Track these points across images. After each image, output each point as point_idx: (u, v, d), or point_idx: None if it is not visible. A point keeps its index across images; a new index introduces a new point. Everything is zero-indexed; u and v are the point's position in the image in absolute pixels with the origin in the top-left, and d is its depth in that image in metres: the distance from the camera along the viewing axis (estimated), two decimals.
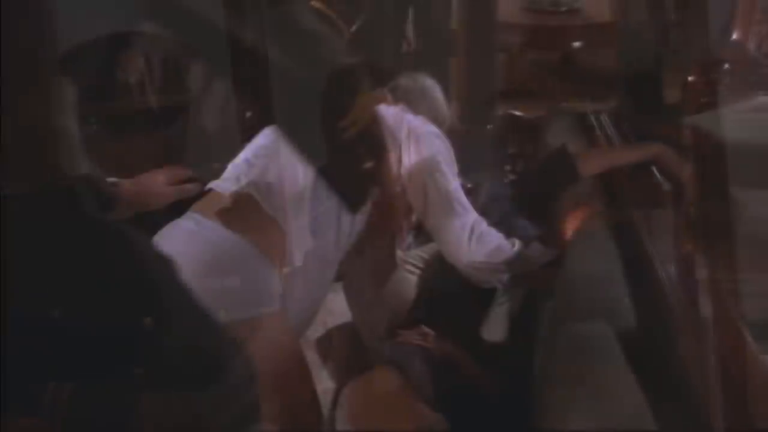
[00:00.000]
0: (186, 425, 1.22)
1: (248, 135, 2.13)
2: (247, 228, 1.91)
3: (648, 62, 3.08)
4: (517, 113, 2.78)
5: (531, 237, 2.06)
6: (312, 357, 2.20)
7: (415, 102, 2.28)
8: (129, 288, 1.17)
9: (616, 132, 2.40)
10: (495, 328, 2.04)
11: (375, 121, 1.90)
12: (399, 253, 2.28)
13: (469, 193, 2.20)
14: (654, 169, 2.16)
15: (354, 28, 2.77)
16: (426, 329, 1.96)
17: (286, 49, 2.13)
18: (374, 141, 1.95)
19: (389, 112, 2.15)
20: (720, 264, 1.69)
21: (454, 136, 2.28)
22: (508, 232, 2.05)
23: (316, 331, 2.41)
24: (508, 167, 2.80)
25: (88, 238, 1.15)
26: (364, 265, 2.23)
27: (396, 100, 2.25)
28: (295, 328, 1.97)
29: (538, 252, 2.04)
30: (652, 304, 1.68)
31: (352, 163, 1.96)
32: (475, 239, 2.03)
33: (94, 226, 1.16)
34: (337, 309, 2.53)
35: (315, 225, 1.97)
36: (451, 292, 2.08)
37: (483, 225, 2.05)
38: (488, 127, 2.46)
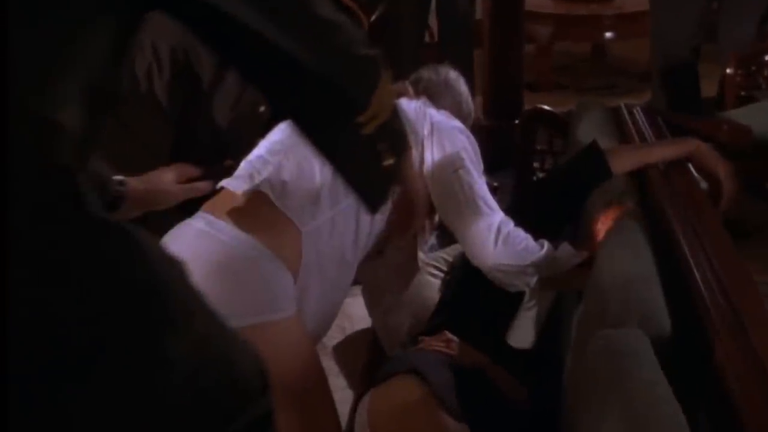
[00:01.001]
0: None
1: (262, 130, 2.13)
2: (260, 228, 1.90)
3: (683, 54, 3.06)
4: (546, 107, 2.76)
5: (560, 238, 2.05)
6: (329, 364, 2.19)
7: (438, 95, 2.27)
8: (135, 292, 1.16)
9: (649, 127, 2.39)
10: (522, 333, 2.03)
11: (395, 116, 1.88)
12: (421, 254, 2.27)
13: (494, 191, 2.19)
14: (690, 166, 2.15)
15: (374, 17, 2.76)
16: (450, 335, 1.94)
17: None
18: (395, 137, 1.94)
19: (411, 106, 2.14)
20: (758, 265, 1.68)
21: (479, 131, 2.28)
22: (536, 233, 2.03)
23: (333, 337, 2.40)
24: (536, 164, 2.79)
25: (92, 240, 1.13)
26: (384, 268, 2.22)
27: (418, 94, 2.26)
28: (311, 334, 1.95)
29: (568, 254, 2.02)
30: (688, 307, 1.66)
31: (371, 160, 1.95)
32: (502, 240, 2.00)
33: (99, 226, 1.15)
34: (355, 314, 2.52)
35: (332, 225, 1.95)
36: (476, 296, 2.06)
37: (510, 225, 2.03)
38: (515, 122, 2.44)
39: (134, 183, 1.81)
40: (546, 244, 2.01)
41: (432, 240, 2.37)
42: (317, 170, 1.96)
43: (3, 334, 1.07)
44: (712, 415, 1.51)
